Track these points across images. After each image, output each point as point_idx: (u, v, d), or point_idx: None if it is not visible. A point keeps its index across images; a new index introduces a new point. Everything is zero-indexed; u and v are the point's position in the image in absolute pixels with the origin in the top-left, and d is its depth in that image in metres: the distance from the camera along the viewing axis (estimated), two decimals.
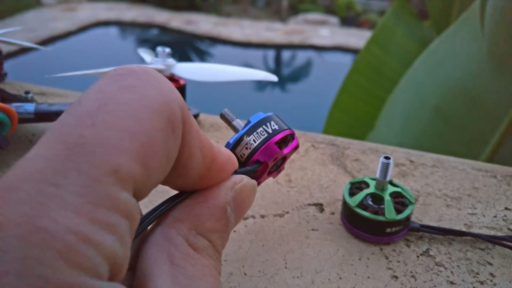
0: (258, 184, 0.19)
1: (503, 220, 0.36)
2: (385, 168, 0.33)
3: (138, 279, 0.13)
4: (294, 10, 5.97)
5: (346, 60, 4.09)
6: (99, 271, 0.10)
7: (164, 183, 0.15)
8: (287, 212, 0.36)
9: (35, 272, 0.09)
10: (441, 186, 0.41)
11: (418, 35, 1.49)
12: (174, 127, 0.13)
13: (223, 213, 0.15)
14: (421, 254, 0.32)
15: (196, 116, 0.51)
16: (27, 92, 0.46)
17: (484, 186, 0.41)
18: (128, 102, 0.12)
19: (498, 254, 0.32)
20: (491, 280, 0.30)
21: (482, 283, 0.29)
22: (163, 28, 4.89)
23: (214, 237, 0.15)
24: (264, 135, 0.18)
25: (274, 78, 0.45)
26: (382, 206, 0.33)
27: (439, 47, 1.05)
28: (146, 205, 0.33)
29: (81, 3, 5.72)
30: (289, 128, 0.19)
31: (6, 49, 0.66)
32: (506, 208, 0.38)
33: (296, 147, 0.20)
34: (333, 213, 0.36)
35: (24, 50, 3.56)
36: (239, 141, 0.19)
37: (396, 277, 0.30)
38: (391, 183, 0.35)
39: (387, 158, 0.32)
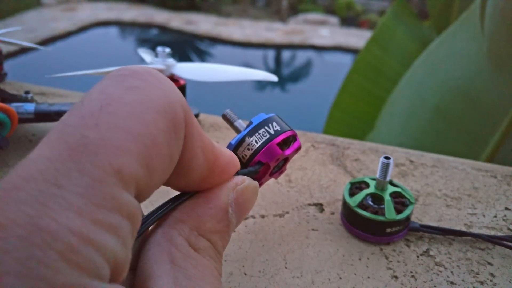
0: (260, 185, 0.19)
1: (503, 220, 0.36)
2: (385, 168, 0.33)
3: (139, 279, 0.13)
4: (294, 10, 5.96)
5: (346, 60, 4.09)
6: (100, 273, 0.10)
7: (166, 184, 0.15)
8: (287, 212, 0.36)
9: (36, 273, 0.09)
10: (441, 186, 0.41)
11: (418, 35, 1.49)
12: (176, 128, 0.13)
13: (224, 214, 0.15)
14: (421, 254, 0.32)
15: (196, 116, 0.51)
16: (27, 92, 0.46)
17: (484, 186, 0.41)
18: (131, 103, 0.12)
19: (498, 254, 0.32)
20: (491, 280, 0.30)
21: (482, 283, 0.29)
22: (163, 28, 4.89)
23: (215, 238, 0.15)
24: (266, 136, 0.18)
25: (274, 78, 0.45)
26: (382, 206, 0.33)
27: (439, 47, 1.05)
28: (147, 206, 0.33)
29: (81, 3, 5.72)
30: (291, 129, 0.19)
31: (6, 49, 0.66)
32: (506, 208, 0.38)
33: (298, 148, 0.20)
34: (333, 213, 0.36)
35: (24, 50, 3.56)
36: (241, 142, 0.19)
37: (396, 277, 0.30)
38: (391, 183, 0.35)
39: (387, 158, 0.32)
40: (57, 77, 0.45)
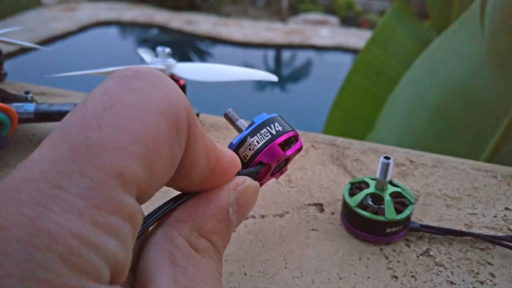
0: (261, 185, 0.19)
1: (503, 220, 0.36)
2: (385, 168, 0.33)
3: (139, 280, 0.13)
4: (294, 10, 5.96)
5: (346, 60, 4.09)
6: (101, 275, 0.10)
7: (167, 184, 0.15)
8: (287, 212, 0.36)
9: (36, 275, 0.09)
10: (441, 186, 0.41)
11: (418, 35, 1.49)
12: (179, 130, 0.13)
13: (225, 214, 0.15)
14: (421, 254, 0.32)
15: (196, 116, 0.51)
16: (27, 92, 0.46)
17: (484, 186, 0.41)
18: (134, 105, 0.12)
19: (498, 254, 0.32)
20: (491, 280, 0.30)
21: (482, 283, 0.29)
22: (163, 28, 4.89)
23: (216, 238, 0.15)
24: (267, 136, 0.18)
25: (274, 78, 0.45)
26: (382, 206, 0.33)
27: (439, 47, 1.05)
28: (147, 206, 0.33)
29: (81, 3, 5.72)
30: (293, 130, 0.19)
31: (6, 49, 0.66)
32: (506, 208, 0.38)
33: (300, 149, 0.20)
34: (333, 213, 0.36)
35: (24, 50, 3.55)
36: (242, 141, 0.18)
37: (396, 277, 0.30)
38: (391, 183, 0.35)
39: (387, 158, 0.32)
40: (57, 77, 0.45)
